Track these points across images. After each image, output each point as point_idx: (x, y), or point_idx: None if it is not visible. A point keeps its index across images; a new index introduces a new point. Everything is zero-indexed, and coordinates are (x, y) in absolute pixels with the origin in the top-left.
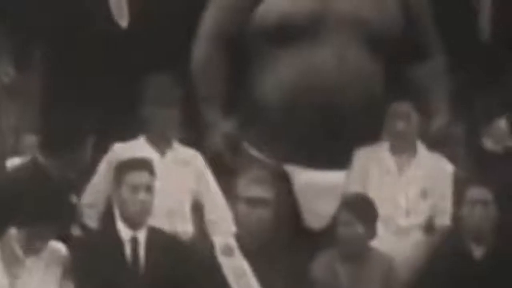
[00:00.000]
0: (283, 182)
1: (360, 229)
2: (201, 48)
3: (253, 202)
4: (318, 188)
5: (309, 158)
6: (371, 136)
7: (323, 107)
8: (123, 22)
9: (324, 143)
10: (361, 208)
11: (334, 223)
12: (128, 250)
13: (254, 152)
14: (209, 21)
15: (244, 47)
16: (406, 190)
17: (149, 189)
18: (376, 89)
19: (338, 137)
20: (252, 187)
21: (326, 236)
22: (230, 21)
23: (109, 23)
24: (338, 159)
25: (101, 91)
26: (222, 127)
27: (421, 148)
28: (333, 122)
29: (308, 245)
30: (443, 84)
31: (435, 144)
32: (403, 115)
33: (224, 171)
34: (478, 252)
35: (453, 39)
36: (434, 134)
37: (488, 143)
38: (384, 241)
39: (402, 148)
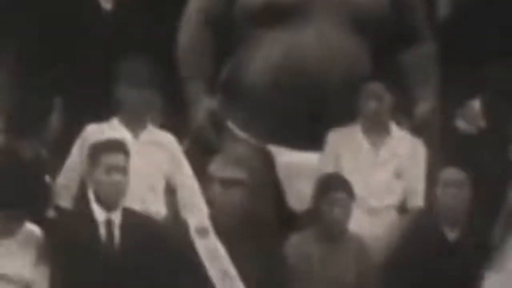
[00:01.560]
0: (266, 162)
1: (346, 208)
2: (188, 30)
3: (227, 183)
4: (301, 169)
5: (292, 139)
6: (353, 118)
7: (307, 88)
8: (107, 5)
9: (308, 124)
10: (348, 188)
11: (315, 204)
12: (103, 231)
13: (237, 131)
14: (196, 3)
15: (230, 28)
16: (379, 170)
17: (124, 170)
18: (361, 72)
19: (322, 119)
20: (226, 167)
21: (308, 217)
22: (216, 3)
23: (94, 5)
24: (321, 140)
25: (77, 73)
26: (206, 104)
27: (394, 129)
28: (317, 103)
29: (290, 226)
30: (430, 69)
31: (419, 129)
32: (375, 95)
33: (206, 149)
34: (452, 233)
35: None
36: (417, 120)
37: (462, 124)
38: (357, 222)
39: (375, 129)
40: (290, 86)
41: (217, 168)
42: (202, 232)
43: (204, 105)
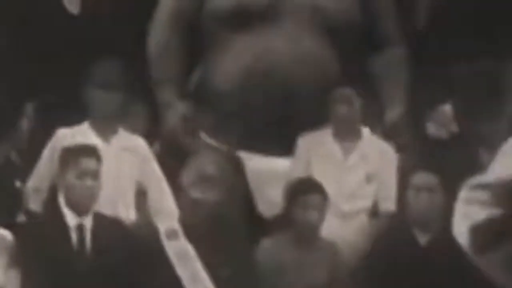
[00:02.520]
0: (236, 169)
1: (320, 213)
2: (158, 33)
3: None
4: (271, 175)
5: (263, 145)
6: (324, 122)
7: (277, 93)
8: (74, 10)
9: (278, 130)
10: (321, 190)
11: (285, 209)
12: (74, 236)
13: (207, 138)
14: (166, 5)
15: (201, 31)
16: (350, 175)
17: (95, 175)
18: (331, 76)
19: (292, 124)
20: (199, 185)
21: (277, 223)
22: (187, 5)
23: (60, 10)
24: (292, 145)
25: (47, 77)
26: (180, 108)
27: (365, 133)
28: (287, 108)
29: (259, 232)
30: (401, 74)
31: (389, 133)
32: (345, 99)
33: (179, 153)
34: (423, 237)
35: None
36: (388, 124)
37: (433, 129)
38: (329, 226)
39: (346, 133)
40: (260, 91)
41: (190, 184)
42: (172, 235)
43: (177, 109)
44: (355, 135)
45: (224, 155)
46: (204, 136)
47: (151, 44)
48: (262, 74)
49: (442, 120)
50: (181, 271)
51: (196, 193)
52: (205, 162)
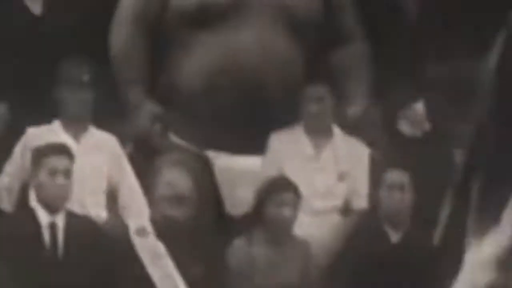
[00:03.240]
0: (204, 168)
1: (293, 211)
2: (121, 32)
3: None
4: (240, 174)
5: (231, 143)
6: (292, 120)
7: (245, 91)
8: (36, 10)
9: (246, 128)
10: (294, 188)
11: (257, 207)
12: (46, 235)
13: (175, 138)
14: (128, 4)
15: (165, 30)
16: (322, 172)
17: (67, 173)
18: (297, 74)
19: (260, 122)
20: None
21: (247, 222)
22: (149, 4)
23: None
24: (260, 143)
25: (15, 77)
26: (149, 108)
27: (337, 131)
28: (255, 106)
29: (227, 231)
30: (362, 70)
31: (352, 129)
32: (317, 98)
33: (149, 152)
34: (395, 235)
35: (373, 23)
36: (350, 120)
37: (405, 127)
38: (301, 224)
39: (318, 131)
40: (228, 90)
41: (163, 200)
42: (142, 232)
43: (146, 109)
44: (327, 133)
45: (192, 155)
46: (172, 136)
47: (114, 44)
48: (230, 73)
49: (415, 119)
50: (152, 269)
51: (169, 211)
52: (178, 178)
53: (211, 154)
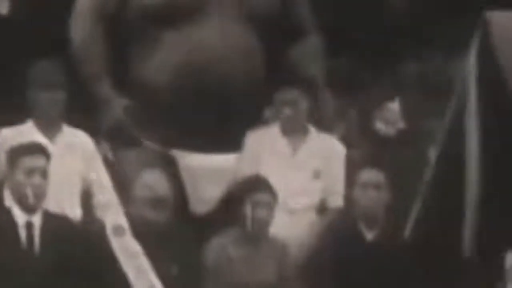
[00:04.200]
0: (170, 167)
1: (269, 211)
2: (80, 26)
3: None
4: (205, 172)
5: (196, 142)
6: (255, 116)
7: (210, 89)
8: (3, 9)
9: (212, 126)
10: (271, 189)
11: (222, 206)
12: (23, 235)
13: (140, 137)
14: (86, 1)
15: (128, 28)
16: (298, 171)
17: (43, 173)
18: (258, 69)
19: (226, 119)
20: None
21: (212, 220)
22: (108, 1)
23: None
24: (225, 141)
25: None
26: (121, 101)
27: (313, 130)
28: (220, 103)
29: (193, 230)
30: (317, 62)
31: (327, 128)
32: (289, 102)
33: (124, 144)
34: (370, 233)
35: (350, 24)
36: (322, 118)
37: (380, 126)
38: (277, 223)
39: (294, 131)
40: (193, 87)
41: (142, 201)
42: (118, 231)
43: (118, 102)
44: (303, 132)
45: (156, 155)
46: (137, 136)
47: (75, 38)
48: (195, 70)
49: (390, 117)
50: (127, 268)
51: (148, 213)
52: (158, 180)
53: (176, 153)
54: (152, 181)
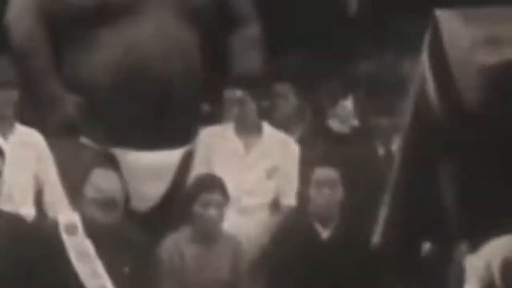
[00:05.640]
0: (113, 165)
1: (219, 210)
2: (21, 19)
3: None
4: (146, 169)
5: (137, 139)
6: (194, 113)
7: (149, 86)
8: None
9: (150, 123)
10: (222, 189)
11: (165, 204)
12: None
13: (81, 138)
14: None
15: (64, 28)
16: (251, 170)
17: None
18: (196, 63)
19: (166, 116)
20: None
21: (154, 218)
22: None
23: None
24: (164, 138)
25: None
26: (72, 97)
27: (267, 128)
28: (160, 100)
29: (137, 228)
30: (255, 52)
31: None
32: (237, 101)
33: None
34: (325, 231)
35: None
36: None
37: (334, 124)
38: (231, 221)
39: (247, 129)
40: (132, 85)
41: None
42: (71, 229)
43: (70, 98)
44: (257, 130)
45: (97, 154)
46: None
47: (16, 31)
48: (132, 68)
49: (343, 116)
50: (79, 267)
51: (97, 213)
52: (110, 182)
53: (117, 151)
54: (104, 183)
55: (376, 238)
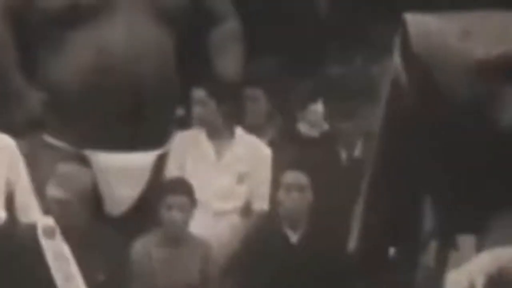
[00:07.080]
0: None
1: (184, 214)
2: None
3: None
4: (118, 172)
5: (109, 141)
6: (167, 115)
7: (121, 87)
8: None
9: (124, 125)
10: (188, 192)
11: (138, 207)
12: None
13: (51, 139)
14: None
15: (34, 30)
16: (223, 174)
17: None
18: (170, 64)
19: (138, 118)
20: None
21: (127, 221)
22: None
23: None
24: (137, 140)
25: None
26: (36, 95)
27: (239, 132)
28: (132, 102)
29: (111, 232)
30: (235, 47)
31: (255, 129)
32: (199, 101)
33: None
34: (294, 235)
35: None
36: (250, 120)
37: (304, 128)
38: (201, 225)
39: (219, 133)
40: (104, 87)
41: (54, 199)
42: (49, 232)
43: (36, 94)
44: (229, 134)
45: (68, 156)
46: (48, 138)
47: None
48: (104, 70)
49: (313, 119)
50: (55, 271)
51: (61, 212)
52: (74, 173)
53: (90, 153)
54: (68, 175)
55: (351, 244)
